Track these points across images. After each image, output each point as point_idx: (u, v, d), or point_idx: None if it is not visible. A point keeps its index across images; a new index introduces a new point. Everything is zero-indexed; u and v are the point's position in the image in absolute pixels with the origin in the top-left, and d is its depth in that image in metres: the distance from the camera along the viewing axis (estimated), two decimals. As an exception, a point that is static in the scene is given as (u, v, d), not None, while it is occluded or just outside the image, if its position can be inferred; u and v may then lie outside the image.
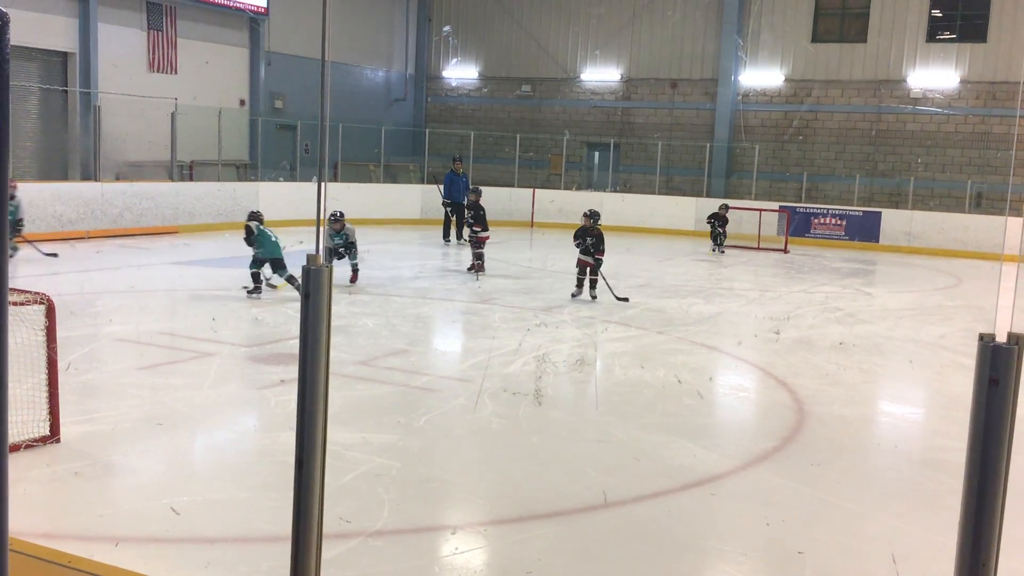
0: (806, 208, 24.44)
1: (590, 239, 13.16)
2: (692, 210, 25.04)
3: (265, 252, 12.36)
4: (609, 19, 28.55)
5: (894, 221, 23.59)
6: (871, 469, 6.82)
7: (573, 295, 13.17)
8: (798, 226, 23.72)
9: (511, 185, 26.62)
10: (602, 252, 13.23)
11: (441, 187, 20.80)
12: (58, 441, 6.07)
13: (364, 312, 11.54)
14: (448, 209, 20.62)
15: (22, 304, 5.80)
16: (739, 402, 8.62)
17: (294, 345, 8.45)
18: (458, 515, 5.62)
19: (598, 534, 5.22)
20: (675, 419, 7.63)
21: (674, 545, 5.13)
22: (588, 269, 13.22)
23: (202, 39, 23.14)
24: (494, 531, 5.20)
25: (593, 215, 13.48)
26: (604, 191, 26.81)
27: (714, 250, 20.58)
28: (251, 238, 12.55)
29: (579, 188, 27.81)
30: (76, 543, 3.49)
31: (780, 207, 23.97)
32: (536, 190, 26.11)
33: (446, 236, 20.74)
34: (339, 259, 13.64)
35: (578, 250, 13.31)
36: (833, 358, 10.20)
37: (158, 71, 22.04)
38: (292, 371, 8.23)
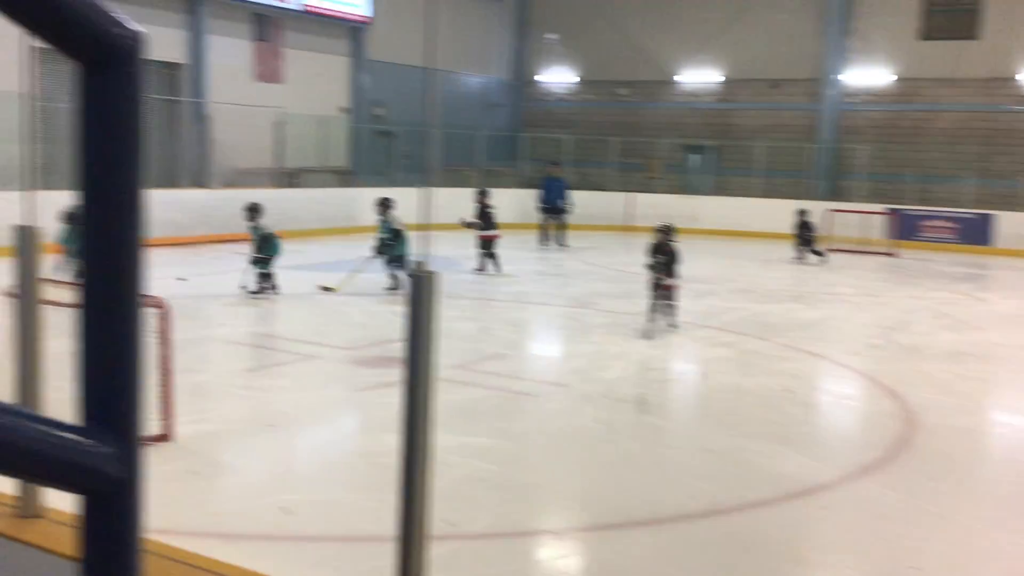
0: (915, 210, 23.62)
1: (662, 257, 11.21)
2: (795, 213, 24.47)
3: (267, 251, 12.74)
4: (708, 20, 28.16)
5: (1008, 223, 22.59)
6: (985, 482, 6.55)
7: (645, 334, 10.59)
8: (906, 229, 22.93)
9: (608, 189, 26.48)
10: (674, 275, 11.19)
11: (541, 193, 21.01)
12: (170, 440, 6.30)
13: (462, 316, 11.64)
14: (545, 214, 20.70)
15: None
16: (844, 411, 8.39)
17: (394, 348, 8.56)
18: (556, 520, 5.62)
19: (699, 543, 5.14)
20: (777, 427, 7.46)
21: (776, 556, 5.02)
22: (661, 291, 11.07)
23: (306, 49, 23.72)
24: (592, 536, 5.18)
25: (666, 229, 11.56)
26: (702, 195, 26.44)
27: (818, 255, 19.56)
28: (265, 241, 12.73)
29: (677, 192, 27.49)
30: (192, 539, 3.62)
31: (887, 209, 23.23)
32: (633, 193, 25.91)
33: (543, 241, 20.78)
34: (381, 255, 13.02)
35: (650, 271, 11.20)
36: (944, 366, 9.83)
37: (265, 80, 22.69)
38: (393, 374, 8.36)
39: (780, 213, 24.61)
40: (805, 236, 19.59)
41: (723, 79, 28.30)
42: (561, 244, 20.65)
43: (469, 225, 15.62)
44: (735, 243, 22.57)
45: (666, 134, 28.53)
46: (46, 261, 4.71)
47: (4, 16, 0.73)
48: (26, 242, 2.62)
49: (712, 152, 27.85)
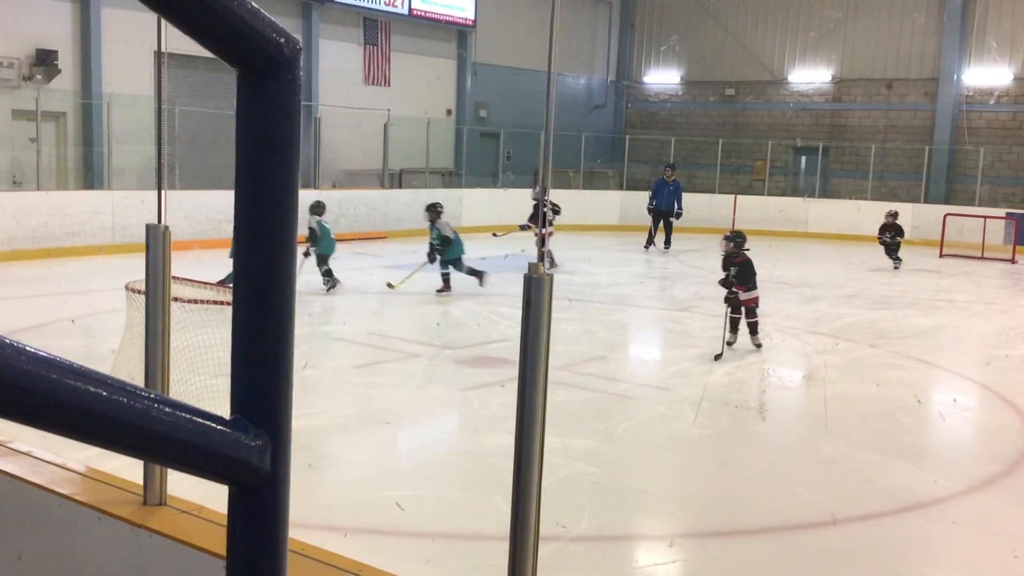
0: (1037, 215, 22.56)
1: (733, 268, 10.08)
2: (908, 216, 23.69)
3: (323, 248, 12.84)
4: (819, 19, 27.47)
5: None
6: (1116, 502, 6.21)
7: (717, 356, 9.49)
8: (1028, 235, 21.92)
9: (712, 191, 26.11)
10: (749, 288, 10.03)
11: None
12: (282, 432, 6.47)
13: (563, 318, 11.64)
14: (654, 216, 20.67)
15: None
16: (961, 422, 8.07)
17: (497, 348, 8.65)
18: (658, 525, 5.57)
19: (807, 554, 5.02)
20: (889, 438, 7.23)
21: (890, 571, 4.87)
22: (738, 309, 10.06)
23: (414, 52, 24.09)
24: (697, 544, 5.11)
25: (735, 237, 10.40)
26: (813, 197, 25.81)
27: (895, 266, 18.24)
28: (313, 237, 12.81)
29: (793, 194, 26.90)
30: (305, 531, 3.72)
31: (1007, 214, 22.25)
32: (738, 196, 25.49)
33: (649, 243, 20.65)
34: (433, 262, 13.08)
35: (724, 286, 10.12)
36: (1070, 379, 9.36)
37: (372, 83, 23.14)
38: (495, 374, 8.43)
39: (893, 217, 23.87)
40: (887, 239, 18.29)
41: (835, 78, 27.56)
42: (666, 247, 20.50)
43: (524, 228, 15.77)
44: (845, 247, 21.95)
45: (774, 135, 27.95)
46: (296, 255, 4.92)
47: (172, 24, 0.77)
48: (157, 240, 2.73)
49: (822, 154, 27.13)
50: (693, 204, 24.75)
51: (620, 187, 26.85)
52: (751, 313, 10.05)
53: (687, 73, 30.06)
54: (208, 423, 0.81)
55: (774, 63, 28.43)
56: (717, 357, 9.40)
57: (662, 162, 27.57)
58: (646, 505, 5.81)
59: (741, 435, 7.09)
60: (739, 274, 10.00)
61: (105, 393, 0.74)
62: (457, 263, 13.06)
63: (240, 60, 0.82)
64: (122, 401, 0.76)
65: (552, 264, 15.29)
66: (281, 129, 0.84)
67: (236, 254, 0.86)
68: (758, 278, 10.26)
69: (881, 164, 26.16)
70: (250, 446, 0.84)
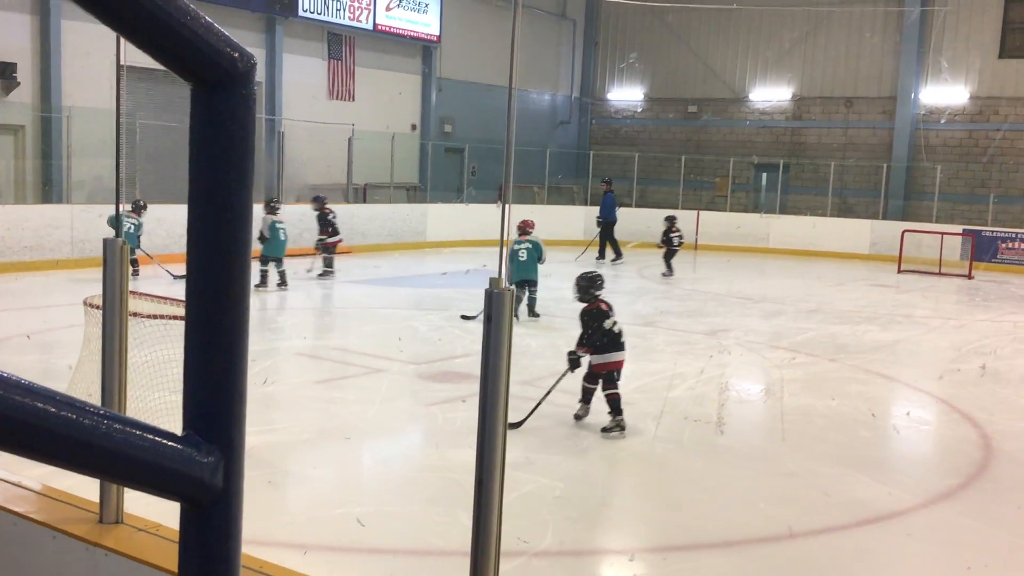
0: (993, 232, 22.99)
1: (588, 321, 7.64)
2: (866, 233, 24.04)
3: (269, 250, 13.39)
4: (780, 38, 27.87)
5: (1093, 246, 21.85)
6: (1069, 514, 6.32)
7: (514, 425, 7.04)
8: (983, 251, 22.34)
9: (675, 207, 26.33)
10: (602, 349, 7.51)
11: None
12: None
13: (528, 333, 11.65)
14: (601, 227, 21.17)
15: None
16: (919, 435, 8.18)
17: (461, 364, 8.62)
18: (622, 539, 5.57)
19: (767, 567, 5.06)
20: (849, 451, 7.31)
21: (849, 584, 4.91)
22: (593, 378, 7.60)
23: (378, 67, 24.07)
24: (655, 558, 5.13)
25: (579, 280, 7.91)
26: (772, 213, 26.11)
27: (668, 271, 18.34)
28: (262, 238, 13.42)
29: (754, 210, 27.19)
30: (266, 548, 3.68)
31: (964, 230, 22.67)
32: (701, 212, 25.72)
33: (599, 256, 21.05)
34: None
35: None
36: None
37: (337, 98, 23.08)
38: (459, 389, 8.41)
39: (853, 233, 24.23)
40: (669, 244, 18.51)
41: (795, 96, 27.96)
42: (610, 259, 20.94)
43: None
44: (806, 263, 22.22)
45: (735, 152, 28.27)
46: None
47: (125, 38, 0.76)
48: (114, 254, 2.70)
49: (783, 171, 27.48)
50: (656, 220, 24.93)
51: (584, 202, 26.99)
52: (609, 382, 7.46)
53: (650, 90, 30.33)
54: (159, 439, 0.80)
55: (735, 81, 28.78)
56: (513, 426, 6.93)
57: (626, 178, 27.80)
58: (608, 519, 5.82)
59: (702, 449, 7.13)
60: (586, 330, 7.54)
61: (54, 409, 0.74)
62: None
63: (194, 74, 0.81)
64: (71, 418, 0.75)
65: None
66: (235, 143, 0.83)
67: (188, 268, 0.86)
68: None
69: (840, 181, 26.54)
70: (202, 462, 0.84)
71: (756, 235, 24.80)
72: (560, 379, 7.73)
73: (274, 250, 13.43)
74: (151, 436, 0.79)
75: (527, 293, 12.46)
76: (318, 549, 4.91)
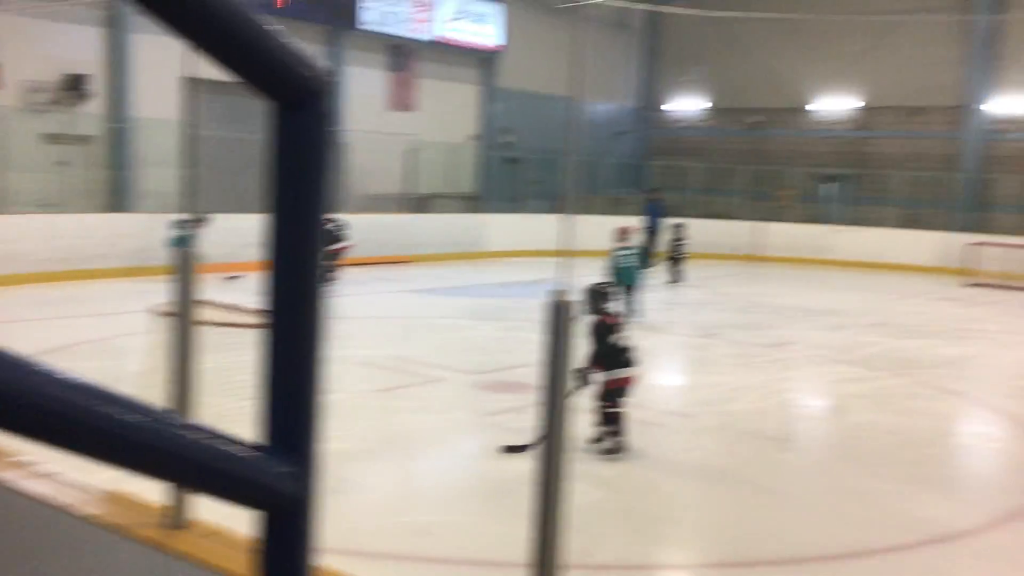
0: (1066, 244, 22.32)
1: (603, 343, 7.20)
2: (933, 245, 23.51)
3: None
4: (845, 47, 27.43)
5: None
6: None
7: (513, 448, 6.73)
8: (1056, 264, 21.67)
9: (737, 218, 26.06)
10: (612, 365, 7.10)
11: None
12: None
13: (581, 343, 11.60)
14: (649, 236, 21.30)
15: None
16: (988, 453, 7.96)
17: (519, 374, 8.61)
18: (680, 555, 5.52)
19: (831, 586, 4.96)
20: (916, 468, 7.14)
21: (916, 605, 4.80)
22: (609, 396, 7.11)
23: (439, 78, 24.27)
24: (716, 574, 5.06)
25: (590, 289, 7.39)
26: (836, 224, 25.68)
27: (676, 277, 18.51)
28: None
29: (809, 221, 26.78)
30: (330, 556, 3.73)
31: (1035, 243, 22.03)
32: (763, 223, 25.40)
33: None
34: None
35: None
36: (1100, 411, 9.22)
37: (398, 109, 23.31)
38: (518, 399, 8.41)
39: (919, 245, 23.72)
40: (676, 251, 18.75)
41: (860, 106, 27.50)
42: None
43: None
44: (871, 275, 21.81)
45: (799, 163, 27.87)
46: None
47: (208, 57, 0.78)
48: (184, 264, 2.76)
49: (847, 181, 27.03)
50: (716, 231, 24.70)
51: (643, 213, 26.84)
52: (614, 398, 7.06)
53: (712, 100, 30.08)
54: (239, 450, 0.82)
55: (799, 91, 28.40)
56: (517, 449, 6.50)
57: (687, 188, 27.59)
58: (667, 534, 5.76)
59: (764, 463, 7.03)
60: (593, 345, 7.09)
61: (140, 419, 0.76)
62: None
63: (275, 93, 0.83)
64: (156, 427, 0.77)
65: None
66: (312, 159, 0.85)
67: (267, 281, 0.88)
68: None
69: (907, 192, 26.02)
70: (280, 473, 0.85)
71: (820, 246, 24.40)
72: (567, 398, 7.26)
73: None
74: (231, 446, 0.81)
75: (629, 297, 12.67)
76: (380, 557, 4.95)
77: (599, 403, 7.06)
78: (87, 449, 0.79)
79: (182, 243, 14.34)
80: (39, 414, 0.75)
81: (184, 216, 14.69)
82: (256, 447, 0.85)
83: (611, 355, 7.04)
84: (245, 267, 15.87)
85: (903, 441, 7.80)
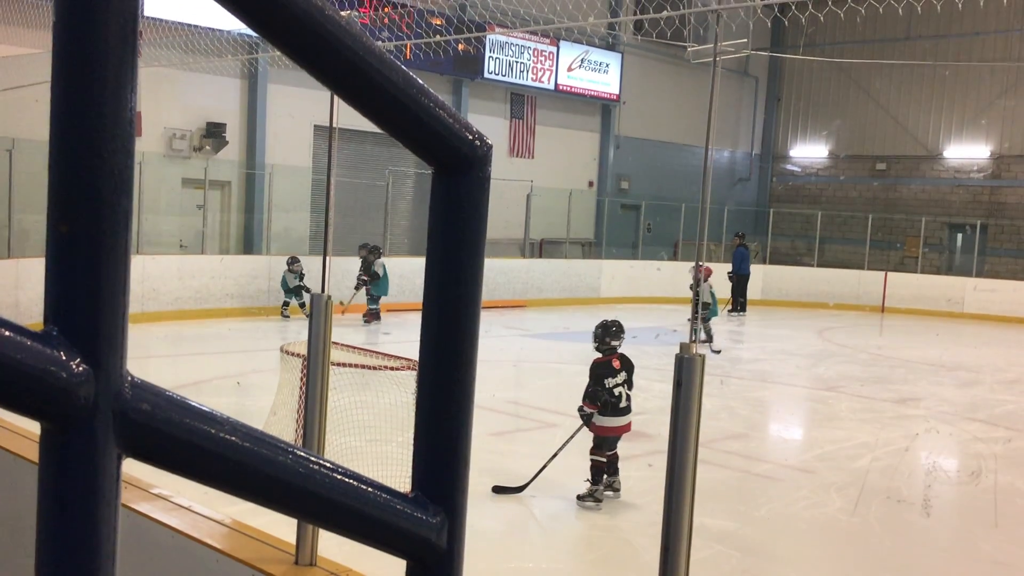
0: None
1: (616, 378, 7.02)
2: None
3: (381, 290, 16.09)
4: (977, 93, 26.51)
5: None
6: None
7: (503, 490, 7.06)
8: None
9: (861, 267, 25.31)
10: (587, 402, 7.03)
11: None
12: (420, 497, 6.54)
13: (703, 392, 11.41)
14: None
15: (398, 369, 6.40)
16: None
17: (636, 421, 8.52)
18: (803, 617, 5.33)
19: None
20: (1058, 538, 6.73)
21: None
22: (606, 443, 7.05)
23: (558, 126, 24.55)
24: (844, 639, 4.87)
25: (599, 327, 7.28)
26: (968, 275, 24.64)
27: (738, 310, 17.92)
28: (376, 276, 15.90)
29: (948, 272, 25.79)
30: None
31: None
32: (889, 273, 24.60)
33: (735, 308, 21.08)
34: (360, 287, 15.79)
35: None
36: None
37: (517, 156, 23.66)
38: (631, 448, 8.32)
39: (1058, 299, 22.50)
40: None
41: (994, 154, 26.46)
42: (739, 312, 21.05)
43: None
44: (1005, 329, 20.79)
45: (928, 211, 26.93)
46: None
47: (375, 123, 0.84)
48: (320, 308, 2.87)
49: (980, 232, 25.94)
50: (840, 280, 24.03)
51: (763, 261, 26.37)
52: (602, 448, 6.93)
53: (835, 147, 29.47)
54: (391, 498, 0.85)
55: (928, 137, 27.55)
56: (512, 490, 6.77)
57: (808, 236, 27.00)
58: (789, 594, 5.58)
59: (891, 525, 6.74)
60: (589, 383, 6.97)
61: (306, 466, 0.80)
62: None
63: (436, 158, 0.88)
64: (314, 473, 0.81)
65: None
66: (470, 222, 0.89)
67: (423, 340, 0.92)
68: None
69: (1045, 243, 24.82)
70: (430, 523, 0.88)
71: (950, 298, 23.44)
72: (572, 437, 7.15)
73: (383, 289, 16.16)
74: (384, 494, 0.84)
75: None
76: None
77: (594, 458, 6.87)
78: (256, 495, 0.83)
79: (291, 285, 15.51)
80: (202, 454, 0.79)
81: (294, 257, 15.77)
82: (408, 497, 0.89)
83: (604, 399, 6.80)
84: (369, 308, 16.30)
85: (1044, 507, 7.37)
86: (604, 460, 6.87)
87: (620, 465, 7.25)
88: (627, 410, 6.90)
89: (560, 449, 7.17)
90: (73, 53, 0.65)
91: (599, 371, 6.90)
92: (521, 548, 5.97)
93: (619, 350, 7.04)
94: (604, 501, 6.92)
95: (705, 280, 14.59)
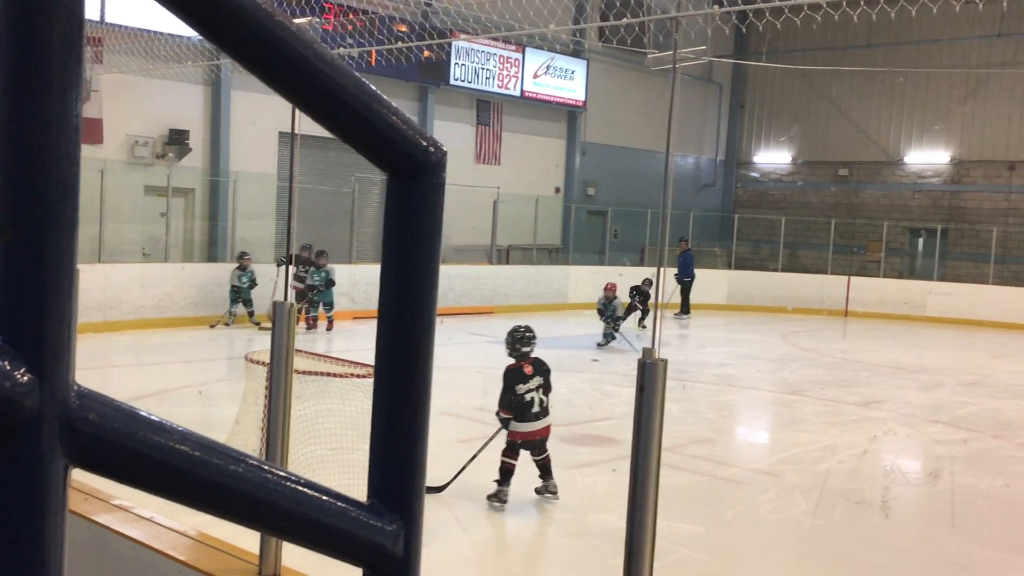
0: None
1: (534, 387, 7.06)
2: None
3: (328, 296, 15.95)
4: (937, 99, 26.93)
5: None
6: None
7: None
8: None
9: (825, 272, 25.59)
10: (502, 408, 7.11)
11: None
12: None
13: (669, 398, 11.46)
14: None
15: (365, 376, 6.36)
16: (1097, 523, 7.57)
17: (602, 427, 8.56)
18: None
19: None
20: (1017, 536, 6.84)
21: None
22: (514, 449, 7.07)
23: (524, 132, 24.60)
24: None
25: (508, 340, 7.39)
26: (929, 279, 24.99)
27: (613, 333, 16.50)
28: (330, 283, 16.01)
29: (899, 276, 26.15)
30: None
31: None
32: (852, 277, 24.89)
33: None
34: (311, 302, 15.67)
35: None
36: None
37: (484, 162, 23.67)
38: (600, 453, 8.35)
39: (1017, 302, 22.89)
40: (637, 307, 17.95)
41: (953, 160, 26.88)
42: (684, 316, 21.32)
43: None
44: (965, 332, 21.11)
45: (889, 217, 27.30)
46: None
47: (330, 131, 0.84)
48: (282, 316, 2.85)
49: (940, 236, 26.33)
50: (803, 284, 24.29)
51: (728, 266, 26.59)
52: (534, 450, 6.99)
53: (798, 153, 29.80)
54: (347, 506, 0.85)
55: (889, 144, 27.94)
56: (433, 490, 6.81)
57: (773, 241, 27.27)
58: (755, 597, 5.62)
59: (855, 527, 6.81)
60: (502, 390, 6.96)
61: (247, 470, 0.80)
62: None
63: (390, 164, 0.88)
64: (268, 483, 0.81)
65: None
66: (426, 229, 0.89)
67: (378, 346, 0.92)
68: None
69: (1003, 248, 25.23)
70: (385, 531, 0.88)
71: (912, 303, 23.76)
72: (489, 441, 7.21)
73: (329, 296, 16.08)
74: (340, 503, 0.84)
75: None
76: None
77: (505, 459, 6.93)
78: (212, 507, 0.82)
79: (240, 292, 15.43)
80: (150, 464, 0.79)
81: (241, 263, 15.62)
82: (364, 505, 0.88)
83: (516, 405, 6.84)
84: (336, 315, 16.20)
85: (1004, 506, 7.48)
86: (513, 463, 6.92)
87: (586, 471, 7.27)
88: (541, 414, 6.93)
89: (477, 453, 7.17)
90: (17, 59, 0.65)
91: (510, 377, 6.95)
92: (490, 556, 5.96)
93: (532, 355, 7.10)
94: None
95: (615, 299, 16.17)
